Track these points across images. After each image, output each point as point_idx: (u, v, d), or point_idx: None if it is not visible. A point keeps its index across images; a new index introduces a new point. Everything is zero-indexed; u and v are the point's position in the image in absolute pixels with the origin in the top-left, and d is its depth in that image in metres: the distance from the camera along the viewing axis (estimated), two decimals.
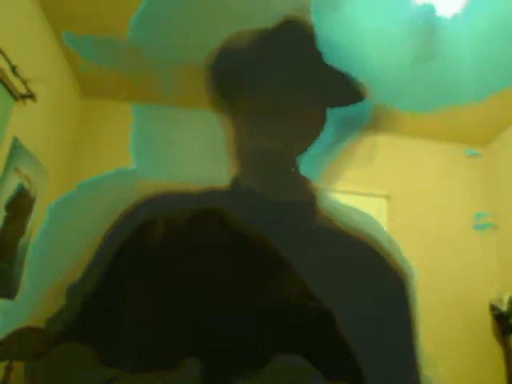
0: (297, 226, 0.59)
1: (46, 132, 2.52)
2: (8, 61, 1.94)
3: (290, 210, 0.60)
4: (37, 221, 2.36)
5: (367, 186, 2.84)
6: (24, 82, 2.08)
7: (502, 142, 3.07)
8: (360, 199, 2.62)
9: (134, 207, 0.60)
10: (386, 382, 0.52)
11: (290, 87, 0.56)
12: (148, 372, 0.44)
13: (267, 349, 0.44)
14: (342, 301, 0.51)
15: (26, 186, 2.27)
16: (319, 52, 0.54)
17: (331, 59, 0.54)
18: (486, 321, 2.85)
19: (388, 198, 3.01)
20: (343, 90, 0.57)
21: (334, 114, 0.57)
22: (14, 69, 1.98)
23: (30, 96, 2.14)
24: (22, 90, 2.10)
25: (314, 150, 0.57)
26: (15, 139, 2.13)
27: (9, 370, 1.55)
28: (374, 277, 0.57)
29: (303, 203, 0.62)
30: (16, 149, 2.14)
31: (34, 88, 2.14)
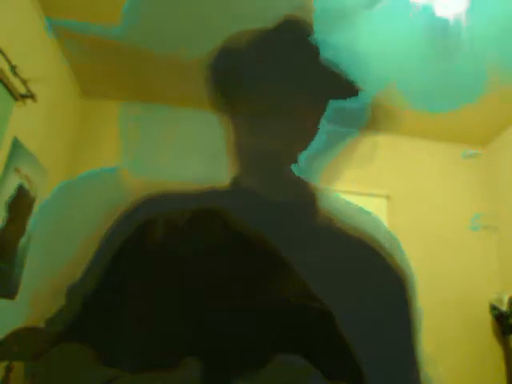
0: (297, 225, 0.59)
1: (46, 132, 2.52)
2: (8, 61, 1.94)
3: (290, 209, 0.60)
4: None
5: (367, 186, 2.84)
6: (24, 82, 2.08)
7: (502, 142, 3.07)
8: (360, 199, 2.61)
9: (133, 207, 0.60)
10: (386, 382, 0.52)
11: (290, 87, 0.56)
12: (148, 372, 0.44)
13: (267, 349, 0.44)
14: (342, 301, 0.51)
15: (26, 185, 2.27)
16: (319, 52, 0.54)
17: (331, 58, 0.54)
18: (486, 321, 2.85)
19: (388, 198, 3.01)
20: (342, 87, 0.57)
21: (333, 112, 0.57)
22: (13, 69, 1.98)
23: (30, 96, 2.14)
24: (22, 90, 2.10)
25: (313, 149, 0.57)
26: (15, 139, 2.13)
27: (9, 370, 1.55)
28: (374, 277, 0.57)
29: (303, 203, 0.62)
30: (16, 149, 2.14)
31: (33, 88, 2.14)
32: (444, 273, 2.87)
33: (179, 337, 0.50)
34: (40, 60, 2.34)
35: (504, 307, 2.69)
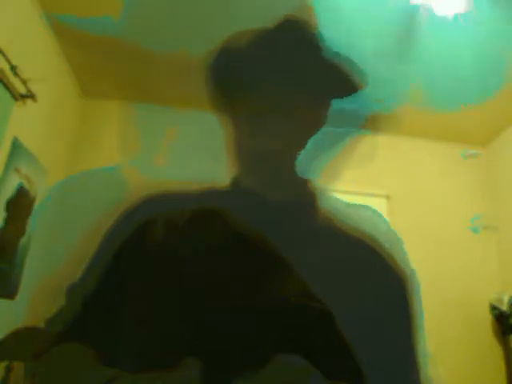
0: (297, 226, 0.59)
1: (46, 132, 2.52)
2: (8, 61, 1.94)
3: (290, 209, 0.60)
4: None
5: (367, 186, 2.84)
6: (24, 82, 2.08)
7: (502, 142, 3.07)
8: (360, 199, 2.62)
9: (134, 207, 0.60)
10: (386, 382, 0.52)
11: (290, 87, 0.56)
12: (148, 372, 0.44)
13: (267, 349, 0.44)
14: (342, 301, 0.51)
15: (26, 185, 2.27)
16: (319, 51, 0.54)
17: (331, 55, 0.54)
18: (486, 321, 2.85)
19: (388, 197, 3.01)
20: (342, 86, 0.57)
21: (333, 111, 0.57)
22: (13, 69, 1.98)
23: (30, 96, 2.14)
24: (22, 90, 2.10)
25: (313, 149, 0.57)
26: (15, 139, 2.13)
27: (9, 370, 1.55)
28: (374, 277, 0.57)
29: (303, 203, 0.62)
30: (16, 149, 2.14)
31: (33, 88, 2.14)
32: (444, 273, 2.87)
33: (179, 337, 0.50)
34: (40, 60, 2.34)
35: (504, 307, 2.69)
